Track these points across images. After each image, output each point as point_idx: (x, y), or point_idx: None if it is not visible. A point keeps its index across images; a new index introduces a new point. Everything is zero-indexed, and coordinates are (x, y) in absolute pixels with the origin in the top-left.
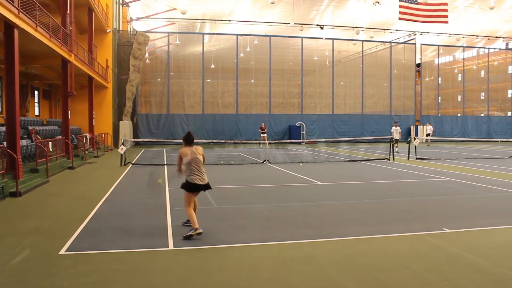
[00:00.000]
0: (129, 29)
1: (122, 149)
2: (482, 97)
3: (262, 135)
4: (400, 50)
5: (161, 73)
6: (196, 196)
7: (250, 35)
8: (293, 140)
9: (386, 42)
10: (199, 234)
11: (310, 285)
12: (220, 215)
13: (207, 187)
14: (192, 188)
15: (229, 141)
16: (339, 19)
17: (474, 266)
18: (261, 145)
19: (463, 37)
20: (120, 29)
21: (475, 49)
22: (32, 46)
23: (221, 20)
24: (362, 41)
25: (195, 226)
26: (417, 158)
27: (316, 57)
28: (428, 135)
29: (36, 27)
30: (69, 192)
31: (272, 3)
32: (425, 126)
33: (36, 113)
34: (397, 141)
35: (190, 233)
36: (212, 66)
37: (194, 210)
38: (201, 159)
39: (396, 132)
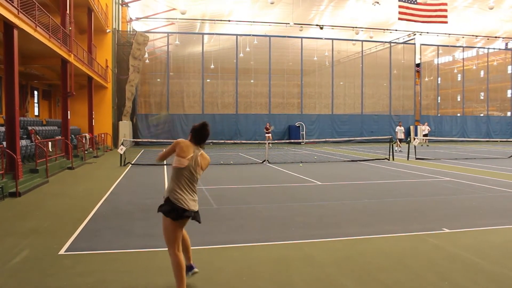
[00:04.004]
0: (128, 29)
1: (121, 149)
2: (482, 97)
3: (266, 135)
4: (400, 50)
5: (160, 73)
6: (183, 229)
7: (249, 35)
8: (292, 140)
9: (385, 42)
10: None
11: (310, 285)
12: (219, 215)
13: (196, 216)
14: (177, 213)
15: (228, 141)
16: (338, 19)
17: (473, 266)
18: (270, 145)
19: (463, 37)
20: (120, 29)
21: (475, 49)
22: (32, 46)
23: (221, 20)
24: (362, 41)
25: None
26: (416, 158)
27: (315, 57)
28: (425, 135)
29: (36, 27)
30: (68, 192)
31: (272, 3)
32: (421, 126)
33: (36, 113)
34: (401, 140)
35: None
36: (212, 66)
37: (187, 255)
38: (199, 175)
39: (400, 132)
